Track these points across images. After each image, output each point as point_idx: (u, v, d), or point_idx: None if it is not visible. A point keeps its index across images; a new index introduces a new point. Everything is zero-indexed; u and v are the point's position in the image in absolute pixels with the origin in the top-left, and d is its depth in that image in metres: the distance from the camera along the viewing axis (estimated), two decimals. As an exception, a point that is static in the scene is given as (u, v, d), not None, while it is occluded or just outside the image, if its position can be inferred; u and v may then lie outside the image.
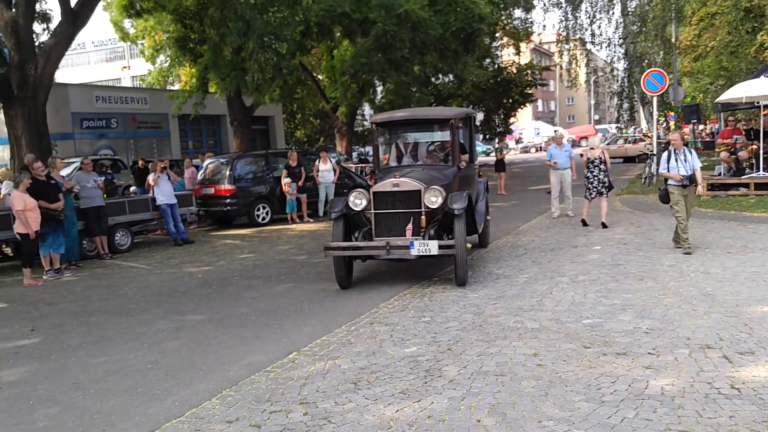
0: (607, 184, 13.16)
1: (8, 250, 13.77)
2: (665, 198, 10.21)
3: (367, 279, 9.69)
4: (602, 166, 13.13)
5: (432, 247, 8.27)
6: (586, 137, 34.10)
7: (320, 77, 32.85)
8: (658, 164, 18.70)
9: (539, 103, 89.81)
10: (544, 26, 62.04)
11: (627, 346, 5.96)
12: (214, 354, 6.58)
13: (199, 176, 18.01)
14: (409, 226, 8.63)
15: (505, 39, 37.19)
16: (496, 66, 38.37)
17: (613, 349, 5.93)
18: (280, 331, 7.24)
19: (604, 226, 12.89)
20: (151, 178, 14.95)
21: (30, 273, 10.80)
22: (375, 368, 5.78)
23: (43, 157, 17.71)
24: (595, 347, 6.00)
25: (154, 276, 11.10)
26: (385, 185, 8.90)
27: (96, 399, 5.56)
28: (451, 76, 27.04)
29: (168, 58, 26.52)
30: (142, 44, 28.42)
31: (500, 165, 22.63)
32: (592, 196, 13.14)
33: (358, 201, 8.94)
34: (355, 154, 37.19)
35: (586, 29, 24.16)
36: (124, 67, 57.09)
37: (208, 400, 5.32)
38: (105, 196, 16.28)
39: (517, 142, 65.59)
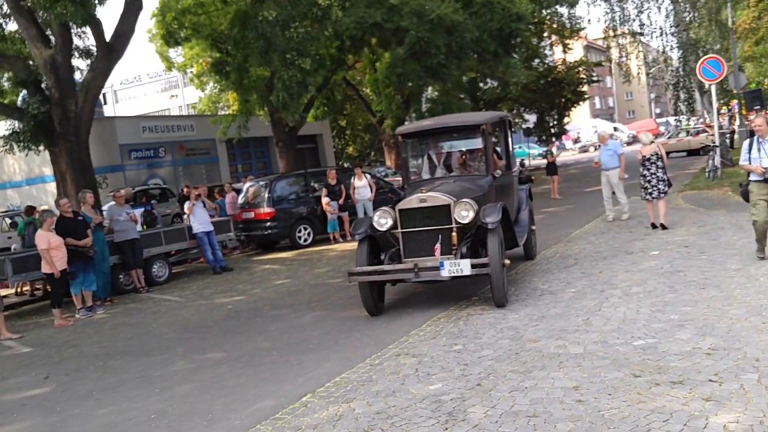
0: (666, 182, 12.18)
1: (43, 289, 13.62)
2: (746, 196, 8.81)
3: (400, 302, 9.02)
4: (659, 163, 12.16)
5: (464, 266, 7.56)
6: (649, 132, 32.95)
7: (366, 91, 32.55)
8: (727, 155, 17.52)
9: (596, 100, 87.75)
10: (589, 20, 60.46)
11: (684, 372, 5.13)
12: (225, 399, 6.02)
13: (240, 200, 17.69)
14: (438, 245, 7.93)
15: (554, 38, 36.10)
16: (546, 66, 37.31)
17: (668, 376, 5.10)
18: (299, 369, 6.64)
19: (663, 227, 11.92)
20: (186, 206, 14.65)
21: (60, 313, 10.52)
22: (392, 412, 5.11)
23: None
24: (647, 375, 5.19)
25: (184, 309, 10.68)
26: (412, 201, 8.20)
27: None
28: (491, 80, 26.12)
29: (217, 84, 26.56)
30: (191, 72, 28.58)
31: (552, 168, 21.68)
32: (653, 196, 12.15)
33: (383, 220, 8.22)
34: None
35: (635, 19, 23.03)
36: (172, 96, 58.09)
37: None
38: (145, 227, 16.17)
39: (575, 141, 63.92)
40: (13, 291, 13.91)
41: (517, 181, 10.80)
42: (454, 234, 7.95)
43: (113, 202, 13.35)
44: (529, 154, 46.33)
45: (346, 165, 21.81)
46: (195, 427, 5.40)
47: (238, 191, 18.40)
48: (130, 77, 70.89)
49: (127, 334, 9.31)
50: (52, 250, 10.13)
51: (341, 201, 16.44)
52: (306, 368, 6.62)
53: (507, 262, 7.95)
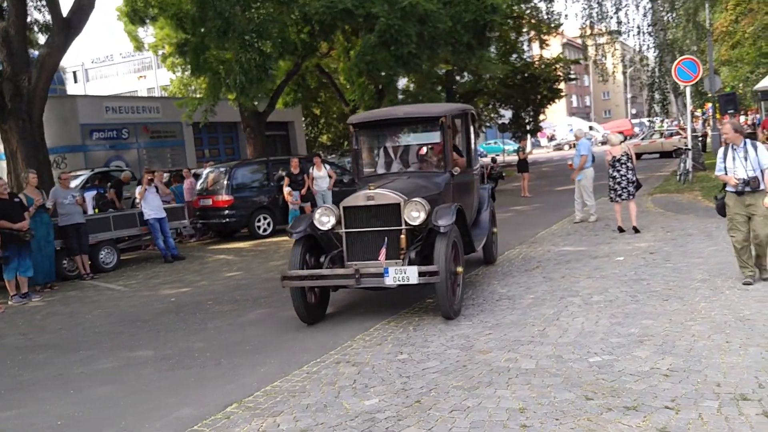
0: (635, 183, 11.80)
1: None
2: (722, 210, 7.79)
3: (351, 303, 8.50)
4: (629, 164, 11.77)
5: (411, 274, 6.74)
6: (622, 132, 32.57)
7: (341, 80, 31.86)
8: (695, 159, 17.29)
9: (573, 98, 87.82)
10: (566, 16, 60.14)
11: (639, 396, 4.69)
12: (144, 405, 5.48)
13: (199, 186, 17.05)
14: (383, 249, 7.10)
15: (532, 33, 35.68)
16: (523, 61, 36.90)
17: (622, 400, 4.66)
18: (230, 373, 6.11)
19: (635, 230, 11.54)
20: (137, 191, 13.99)
21: (-10, 300, 9.89)
22: (318, 430, 4.61)
23: (41, 171, 17.04)
24: (600, 398, 4.74)
25: (125, 300, 10.08)
26: (358, 198, 7.41)
27: (-31, 477, 4.49)
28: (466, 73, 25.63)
29: (179, 66, 25.73)
30: (162, 53, 27.69)
31: (523, 165, 21.29)
32: (622, 198, 11.76)
33: (324, 218, 7.44)
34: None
35: (612, 17, 22.65)
36: (141, 77, 56.87)
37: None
38: (97, 211, 15.47)
39: (550, 139, 63.84)
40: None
41: (479, 180, 10.08)
42: (402, 237, 7.15)
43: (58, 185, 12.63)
44: (504, 150, 46.01)
45: (320, 154, 21.18)
46: (101, 439, 4.86)
47: (197, 177, 17.74)
48: (102, 56, 69.31)
49: (57, 326, 8.69)
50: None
51: (303, 191, 15.85)
52: (237, 373, 6.09)
53: (459, 269, 7.32)
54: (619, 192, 11.79)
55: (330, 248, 7.67)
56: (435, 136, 8.84)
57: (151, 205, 13.47)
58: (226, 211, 15.99)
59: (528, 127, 39.83)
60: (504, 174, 25.93)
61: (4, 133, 17.35)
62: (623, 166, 11.77)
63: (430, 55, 18.95)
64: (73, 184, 18.83)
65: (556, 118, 66.58)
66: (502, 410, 4.67)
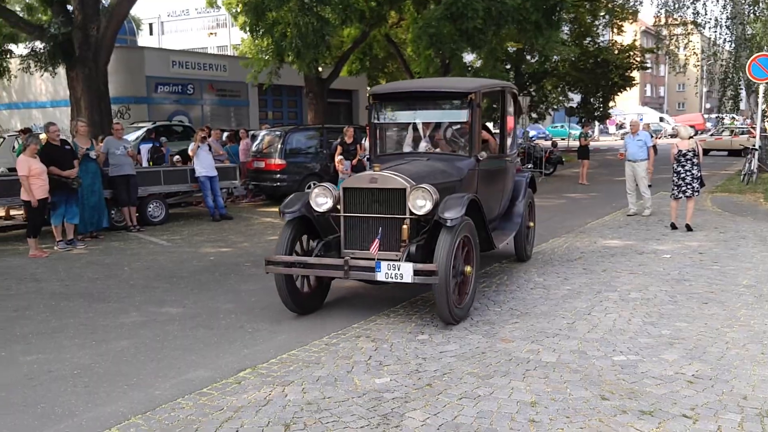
0: (700, 180, 11.32)
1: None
2: None
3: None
4: (695, 160, 11.28)
5: (405, 271, 5.96)
6: (693, 126, 31.30)
7: (408, 51, 31.50)
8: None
9: (647, 87, 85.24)
10: (641, 2, 58.04)
11: (658, 401, 4.50)
12: (158, 362, 5.53)
13: (254, 148, 17.15)
14: (376, 240, 6.32)
15: (608, 18, 34.59)
16: (597, 46, 35.87)
17: (639, 403, 4.47)
18: (249, 338, 6.12)
19: (688, 228, 11.13)
20: (190, 148, 14.13)
21: (35, 243, 10.11)
22: (324, 404, 4.56)
23: (103, 120, 17.43)
24: (616, 399, 4.56)
25: (165, 255, 10.22)
26: (361, 179, 6.63)
27: (-18, 414, 4.60)
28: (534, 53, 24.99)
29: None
30: (236, 11, 27.87)
31: (583, 152, 20.74)
32: (686, 194, 11.29)
33: (321, 199, 6.64)
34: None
35: (689, 7, 21.66)
36: (211, 34, 57.33)
37: (107, 429, 4.25)
38: (151, 164, 15.73)
39: (619, 127, 62.21)
40: (2, 214, 13.61)
41: (514, 167, 9.15)
42: (404, 227, 6.30)
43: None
44: (570, 134, 45.02)
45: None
46: (113, 392, 4.90)
47: (254, 138, 17.84)
48: (178, 10, 70.24)
49: (95, 275, 8.86)
50: (32, 178, 9.68)
51: (355, 161, 15.78)
52: (257, 338, 6.10)
53: (468, 269, 6.49)
54: (683, 188, 11.32)
55: (327, 233, 6.93)
56: (462, 115, 7.83)
57: (203, 163, 13.60)
58: (278, 175, 16.05)
59: (596, 113, 38.86)
60: (564, 159, 25.38)
61: (71, 80, 17.79)
62: (688, 161, 11.28)
63: (496, 31, 18.51)
64: (134, 135, 19.22)
65: (627, 107, 64.77)
66: (513, 402, 4.54)
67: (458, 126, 8.28)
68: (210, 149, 13.97)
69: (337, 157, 15.72)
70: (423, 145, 8.26)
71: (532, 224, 9.55)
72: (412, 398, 4.63)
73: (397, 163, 7.16)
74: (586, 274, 8.32)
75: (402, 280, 5.99)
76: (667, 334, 5.93)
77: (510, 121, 9.02)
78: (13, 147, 15.54)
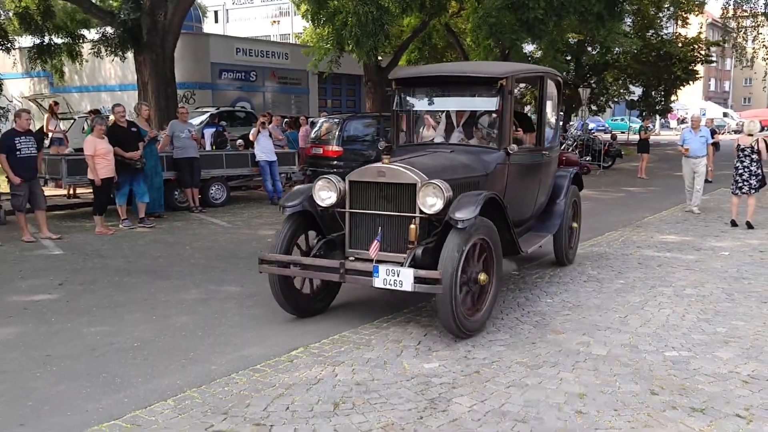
0: (759, 177, 11.05)
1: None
2: None
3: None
4: (754, 156, 11.02)
5: (405, 278, 5.33)
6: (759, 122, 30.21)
7: (468, 41, 31.35)
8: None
9: (711, 82, 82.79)
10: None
11: (710, 399, 4.46)
12: (215, 339, 5.72)
13: (312, 134, 17.36)
14: (376, 240, 5.67)
15: (672, 9, 33.70)
16: (660, 38, 35.01)
17: (690, 400, 4.45)
18: (302, 319, 6.26)
19: (749, 225, 10.88)
20: (251, 133, 14.42)
21: (101, 221, 10.51)
22: (373, 386, 4.67)
23: (168, 105, 17.89)
24: (666, 394, 4.55)
25: (226, 236, 10.49)
26: (368, 172, 5.97)
27: (50, 380, 4.85)
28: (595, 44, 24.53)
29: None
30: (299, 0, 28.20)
31: (643, 145, 20.36)
32: (743, 191, 11.06)
33: (325, 193, 6.05)
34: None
35: (760, -1, 20.96)
36: (273, 22, 57.91)
37: (163, 401, 4.44)
38: (214, 148, 16.10)
39: (681, 121, 60.65)
40: (65, 192, 14.09)
41: (555, 162, 8.30)
42: (412, 226, 5.64)
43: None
44: (630, 127, 44.13)
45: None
46: (171, 365, 5.12)
47: (313, 125, 18.06)
48: (242, -1, 71.24)
49: (157, 253, 9.17)
50: (97, 158, 10.05)
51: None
52: (310, 319, 6.24)
53: (483, 277, 5.75)
54: (740, 184, 11.09)
55: (332, 230, 6.34)
56: (491, 103, 7.00)
57: (263, 148, 13.87)
58: (335, 162, 16.20)
59: (657, 107, 37.99)
60: (623, 152, 24.94)
61: (138, 64, 18.28)
62: (747, 158, 11.03)
63: (557, 22, 18.28)
64: (198, 120, 19.69)
65: (690, 101, 63.08)
66: (561, 393, 4.56)
67: (491, 115, 7.50)
68: (270, 135, 14.22)
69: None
70: (455, 136, 7.60)
71: (575, 225, 8.66)
72: (459, 384, 4.70)
73: (414, 155, 6.47)
74: (641, 269, 8.23)
75: (401, 288, 5.34)
76: (722, 332, 5.85)
77: (550, 110, 8.39)
78: (83, 128, 16.09)
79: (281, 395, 4.52)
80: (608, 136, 29.91)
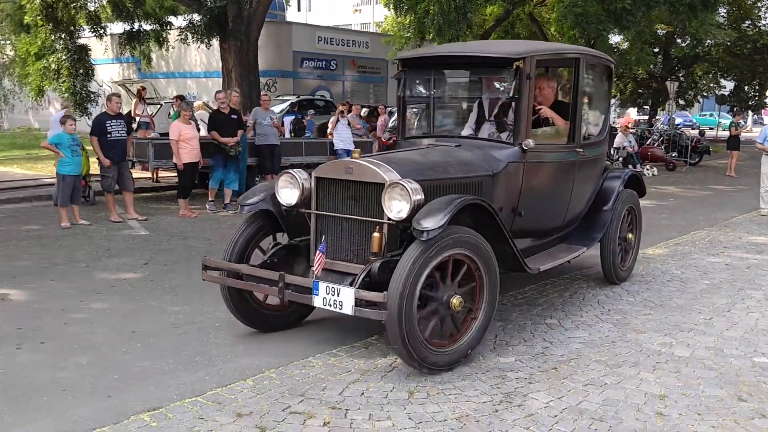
0: None
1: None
2: None
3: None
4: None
5: (345, 299, 4.46)
6: None
7: (551, 30, 30.82)
8: None
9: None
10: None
11: (803, 410, 4.27)
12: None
13: (390, 124, 17.40)
14: (319, 252, 4.80)
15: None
16: (757, 29, 33.50)
17: (780, 409, 4.27)
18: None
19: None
20: (330, 121, 14.55)
21: (185, 204, 10.83)
22: (448, 377, 4.65)
23: (251, 92, 18.25)
24: (755, 401, 4.36)
25: (303, 222, 10.64)
26: (336, 168, 5.14)
27: (135, 355, 5.04)
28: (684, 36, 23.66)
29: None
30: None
31: (733, 142, 19.58)
32: None
33: (287, 191, 5.21)
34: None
35: None
36: (355, 11, 58.07)
37: (242, 380, 4.53)
38: (293, 135, 16.33)
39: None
40: (150, 176, 14.55)
41: (599, 162, 6.97)
42: (376, 235, 4.74)
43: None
44: (719, 123, 42.50)
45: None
46: (250, 346, 5.23)
47: (391, 115, 18.11)
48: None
49: (238, 237, 9.38)
50: (182, 143, 10.35)
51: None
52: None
53: (456, 301, 4.70)
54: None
55: (299, 233, 5.44)
56: (506, 88, 5.99)
57: (341, 137, 13.97)
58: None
59: (750, 103, 36.43)
60: (711, 149, 24.03)
61: (224, 51, 18.69)
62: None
63: (646, 12, 17.73)
64: (279, 107, 20.02)
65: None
66: (641, 393, 4.44)
67: (500, 103, 6.29)
68: (349, 124, 14.32)
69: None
70: (451, 126, 6.77)
71: (631, 237, 7.36)
72: (536, 380, 4.64)
73: (404, 150, 5.88)
74: (728, 270, 7.92)
75: (341, 310, 4.50)
76: (816, 339, 5.58)
77: (599, 100, 7.36)
78: (168, 113, 16.56)
79: (357, 381, 4.55)
80: (696, 131, 28.85)
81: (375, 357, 4.99)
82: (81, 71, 17.78)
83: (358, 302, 4.44)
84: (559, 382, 4.59)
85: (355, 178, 4.93)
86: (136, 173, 13.10)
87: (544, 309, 6.27)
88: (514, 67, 5.65)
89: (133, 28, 20.72)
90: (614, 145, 19.30)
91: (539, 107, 6.22)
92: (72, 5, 17.26)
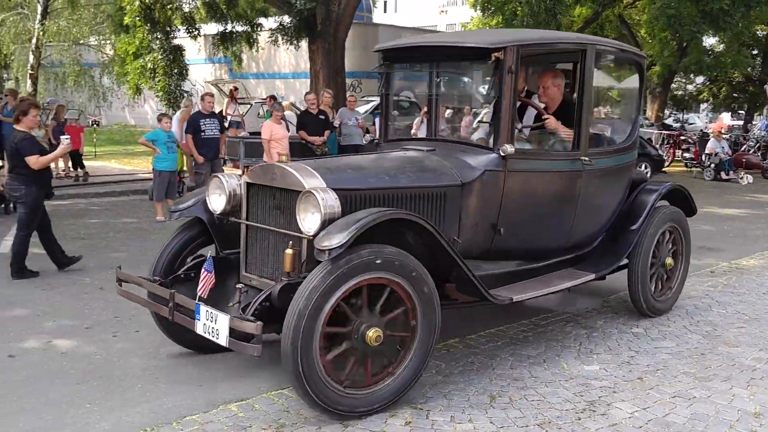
0: None
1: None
2: None
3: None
4: None
5: (221, 326, 3.87)
6: None
7: (642, 33, 30.00)
8: None
9: None
10: None
11: None
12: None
13: (475, 124, 17.31)
14: (205, 270, 4.31)
15: None
16: None
17: None
18: (459, 310, 6.23)
19: None
20: (414, 122, 14.59)
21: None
22: (530, 383, 4.63)
23: (338, 93, 18.52)
24: None
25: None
26: (264, 172, 4.49)
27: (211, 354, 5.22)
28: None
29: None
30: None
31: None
32: None
33: (215, 197, 4.67)
34: (671, 120, 33.99)
35: None
36: (441, 12, 57.99)
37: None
38: (374, 136, 16.47)
39: None
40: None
41: (623, 173, 5.94)
42: (288, 252, 4.04)
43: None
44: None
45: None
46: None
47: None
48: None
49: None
50: (273, 142, 10.61)
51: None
52: (468, 312, 6.23)
53: (374, 333, 3.93)
54: None
55: (232, 245, 4.78)
56: (485, 83, 5.43)
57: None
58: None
59: None
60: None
61: (312, 53, 19.03)
62: None
63: (744, 13, 17.02)
64: (363, 108, 20.22)
65: None
66: (733, 409, 4.30)
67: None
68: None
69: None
70: (434, 127, 6.01)
71: (671, 262, 6.21)
72: (620, 389, 4.55)
73: (366, 153, 5.13)
74: (831, 285, 7.55)
75: (218, 340, 3.92)
76: None
77: (630, 101, 6.40)
78: (258, 112, 17.02)
79: (438, 383, 4.58)
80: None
81: (456, 360, 5.01)
82: (175, 71, 18.41)
83: (233, 332, 3.82)
84: (644, 393, 4.50)
85: (278, 184, 4.33)
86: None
87: (629, 317, 6.13)
88: (493, 58, 4.80)
89: (226, 29, 21.32)
90: (706, 151, 18.65)
91: (546, 117, 5.46)
92: (168, 6, 17.93)
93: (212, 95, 10.81)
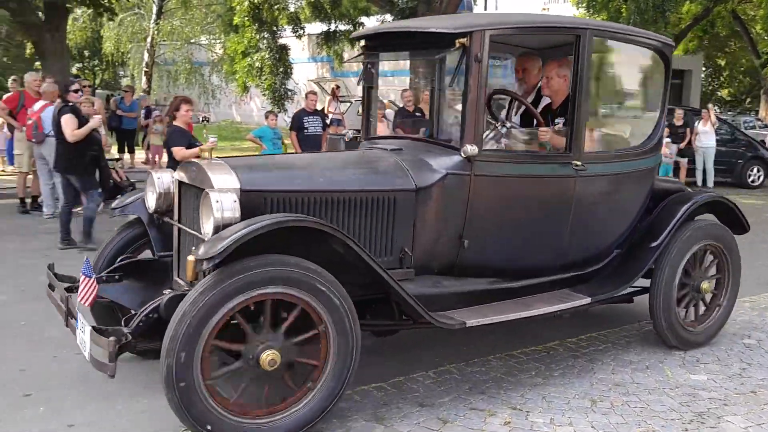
0: None
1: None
2: None
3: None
4: None
5: (87, 339, 3.54)
6: None
7: (757, 29, 28.59)
8: None
9: None
10: None
11: None
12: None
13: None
14: (83, 274, 3.87)
15: None
16: None
17: None
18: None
19: None
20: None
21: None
22: (633, 389, 4.51)
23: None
24: None
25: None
26: (188, 170, 4.12)
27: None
28: None
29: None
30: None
31: None
32: None
33: (149, 195, 4.40)
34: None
35: None
36: (544, 9, 56.96)
37: (424, 371, 4.66)
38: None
39: None
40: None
41: (643, 180, 5.13)
42: (190, 259, 3.49)
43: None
44: None
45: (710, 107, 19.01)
46: (431, 343, 5.36)
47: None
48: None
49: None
50: (374, 139, 10.77)
51: (683, 145, 14.85)
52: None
53: (266, 357, 3.46)
54: None
55: (170, 247, 4.35)
56: (451, 74, 4.63)
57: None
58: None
59: None
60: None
61: (412, 52, 19.15)
62: None
63: None
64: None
65: None
66: None
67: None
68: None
69: (665, 140, 14.96)
70: (424, 126, 5.35)
71: (707, 287, 5.31)
72: (732, 402, 4.37)
73: (324, 152, 4.68)
74: None
75: (86, 354, 3.58)
76: None
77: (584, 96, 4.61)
78: (358, 111, 17.23)
79: (538, 384, 4.53)
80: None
81: (556, 362, 4.94)
82: (281, 69, 18.91)
83: (95, 344, 3.47)
84: (759, 408, 4.30)
85: (196, 182, 3.94)
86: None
87: (741, 328, 5.87)
88: (458, 45, 4.15)
89: (330, 28, 21.71)
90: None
91: (543, 130, 4.73)
92: (276, 6, 18.43)
93: (315, 93, 11.03)
